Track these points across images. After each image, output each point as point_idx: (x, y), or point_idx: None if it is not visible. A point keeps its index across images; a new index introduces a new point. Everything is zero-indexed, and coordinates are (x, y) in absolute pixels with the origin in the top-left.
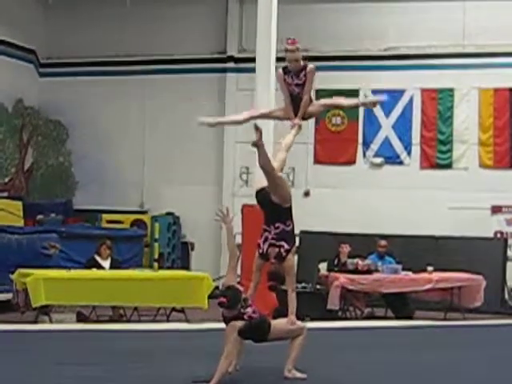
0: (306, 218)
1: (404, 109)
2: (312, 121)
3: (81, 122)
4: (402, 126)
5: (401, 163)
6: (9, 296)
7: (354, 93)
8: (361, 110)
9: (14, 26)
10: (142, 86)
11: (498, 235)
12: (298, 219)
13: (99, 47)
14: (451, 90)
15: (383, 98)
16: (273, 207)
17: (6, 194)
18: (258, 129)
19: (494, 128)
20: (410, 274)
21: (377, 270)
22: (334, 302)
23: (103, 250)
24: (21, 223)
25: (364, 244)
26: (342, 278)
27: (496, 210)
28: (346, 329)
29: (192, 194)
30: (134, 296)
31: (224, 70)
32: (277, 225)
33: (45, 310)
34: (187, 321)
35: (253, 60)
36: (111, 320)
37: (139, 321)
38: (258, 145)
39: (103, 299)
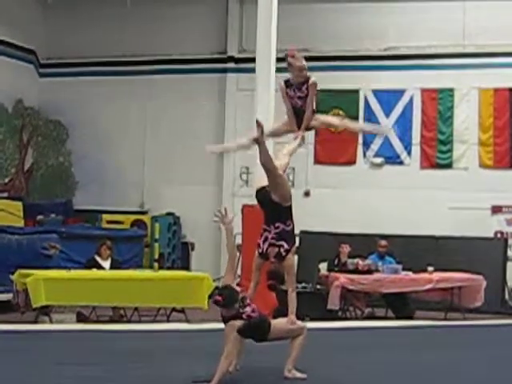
0: (307, 218)
1: (404, 109)
2: None
3: (81, 122)
4: (402, 126)
5: (401, 163)
6: (9, 296)
7: (354, 93)
8: (361, 110)
9: (13, 27)
10: (142, 86)
11: (498, 235)
12: (298, 219)
13: (99, 47)
14: (451, 89)
15: (388, 128)
16: (273, 206)
17: (6, 195)
18: (259, 125)
19: (494, 128)
20: (411, 274)
21: (377, 270)
22: (334, 302)
23: (103, 250)
24: (21, 223)
25: (364, 244)
26: (343, 278)
27: (496, 209)
28: (347, 329)
29: (192, 194)
30: (134, 296)
31: (224, 70)
32: (277, 224)
33: (45, 311)
34: (187, 321)
35: (253, 60)
36: (111, 320)
37: (139, 321)
38: (259, 141)
39: (103, 299)
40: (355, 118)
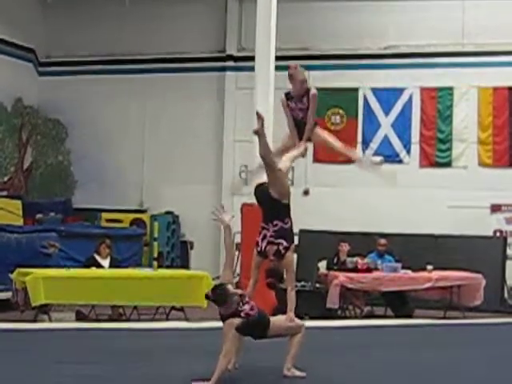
0: (306, 216)
1: (403, 107)
2: None
3: (80, 121)
4: (402, 125)
5: (400, 162)
6: (8, 295)
7: (353, 91)
8: (360, 108)
9: (13, 25)
10: (142, 85)
11: (498, 234)
12: (297, 218)
13: (98, 46)
14: (450, 88)
15: (380, 159)
16: (271, 203)
17: (5, 193)
18: (259, 116)
19: (493, 127)
20: (410, 273)
21: (376, 269)
22: (333, 301)
23: (102, 248)
24: (20, 222)
25: (363, 243)
26: (342, 277)
27: (495, 208)
28: (346, 327)
29: (191, 192)
30: (133, 295)
31: (223, 69)
32: (275, 222)
33: (44, 309)
34: (186, 319)
35: (252, 59)
36: (110, 319)
37: (138, 320)
38: (259, 133)
39: (102, 298)
40: (354, 116)
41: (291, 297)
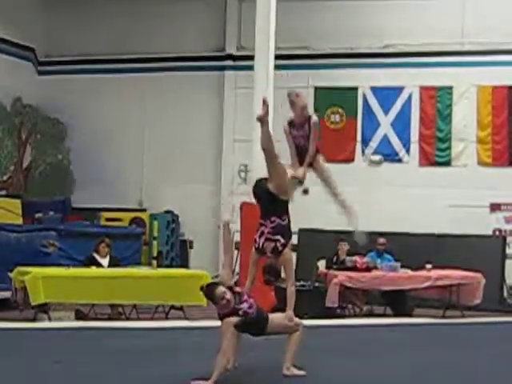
0: (305, 215)
1: (403, 106)
2: None
3: (79, 120)
4: (401, 124)
5: (399, 161)
6: (7, 294)
7: (352, 90)
8: (359, 107)
9: (12, 24)
10: (141, 84)
11: (497, 233)
12: (296, 217)
13: (98, 45)
14: (450, 87)
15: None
16: (269, 198)
17: (4, 192)
18: (264, 103)
19: (492, 126)
20: (409, 272)
21: (376, 268)
22: (332, 300)
23: (102, 248)
24: (19, 221)
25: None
26: (341, 276)
27: (495, 207)
28: (345, 326)
29: (191, 192)
30: (132, 294)
31: (223, 68)
32: (273, 219)
33: (43, 308)
34: (186, 318)
35: (251, 58)
36: (110, 318)
37: (138, 318)
38: (263, 120)
39: (102, 297)
40: (354, 115)
41: (291, 294)
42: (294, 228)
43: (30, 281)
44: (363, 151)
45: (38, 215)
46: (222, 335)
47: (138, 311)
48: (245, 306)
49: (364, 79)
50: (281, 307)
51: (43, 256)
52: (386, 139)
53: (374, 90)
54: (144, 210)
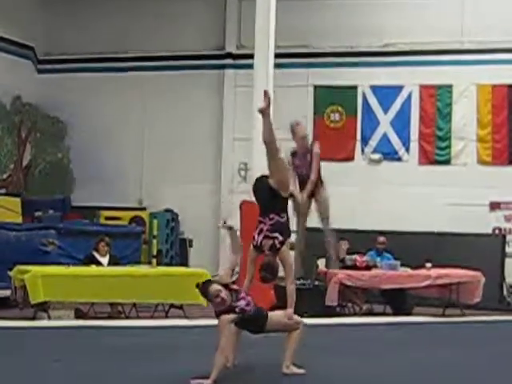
0: None
1: (402, 105)
2: (310, 117)
3: (79, 119)
4: (401, 123)
5: (399, 159)
6: (7, 293)
7: (352, 89)
8: (359, 106)
9: (12, 23)
10: (141, 83)
11: (497, 231)
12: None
13: (97, 44)
14: (450, 86)
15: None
16: (269, 194)
17: (4, 191)
18: (266, 94)
19: (492, 124)
20: (409, 271)
21: (375, 267)
22: (332, 298)
23: (101, 246)
24: (19, 220)
25: (362, 240)
26: (341, 274)
27: (494, 206)
28: (345, 325)
29: (191, 190)
30: (132, 292)
31: (222, 67)
32: (271, 216)
33: (43, 307)
34: (186, 317)
35: (251, 56)
36: (109, 316)
37: (138, 317)
38: (264, 112)
39: (102, 296)
40: (353, 114)
41: (291, 292)
42: (294, 227)
43: (29, 279)
44: (363, 150)
45: (37, 214)
46: (220, 333)
47: (138, 310)
48: (242, 303)
49: (364, 78)
50: (280, 306)
51: (43, 254)
52: (385, 138)
53: (374, 88)
54: (144, 209)
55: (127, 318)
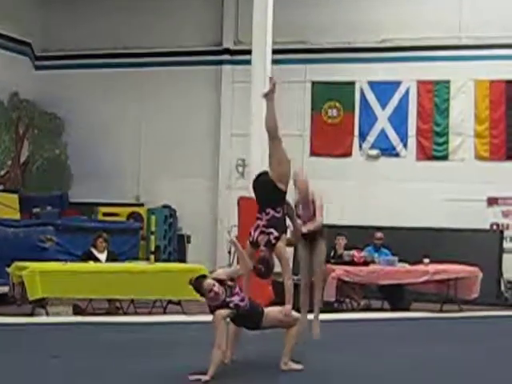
0: None
1: (400, 101)
2: (308, 113)
3: (77, 115)
4: (398, 118)
5: (397, 155)
6: (5, 289)
7: (350, 85)
8: (357, 102)
9: (9, 19)
10: (138, 79)
11: (494, 227)
12: None
13: (95, 40)
14: (447, 82)
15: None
16: (268, 188)
17: (2, 187)
18: (271, 80)
19: (490, 120)
20: (407, 266)
21: (373, 262)
22: (330, 294)
23: (99, 242)
24: (17, 216)
25: (360, 236)
26: (339, 270)
27: (492, 201)
28: (342, 321)
29: (188, 186)
30: (130, 288)
31: (220, 63)
32: (267, 210)
33: (41, 303)
34: (184, 313)
35: (248, 52)
36: (107, 313)
37: (136, 313)
38: (269, 97)
39: (100, 292)
40: (351, 109)
41: (288, 287)
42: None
43: (27, 276)
44: (360, 146)
45: (35, 210)
46: (215, 329)
47: (136, 306)
48: (236, 298)
49: (361, 74)
50: (279, 302)
51: (41, 251)
52: (383, 134)
53: (372, 84)
54: (142, 205)
55: (125, 314)
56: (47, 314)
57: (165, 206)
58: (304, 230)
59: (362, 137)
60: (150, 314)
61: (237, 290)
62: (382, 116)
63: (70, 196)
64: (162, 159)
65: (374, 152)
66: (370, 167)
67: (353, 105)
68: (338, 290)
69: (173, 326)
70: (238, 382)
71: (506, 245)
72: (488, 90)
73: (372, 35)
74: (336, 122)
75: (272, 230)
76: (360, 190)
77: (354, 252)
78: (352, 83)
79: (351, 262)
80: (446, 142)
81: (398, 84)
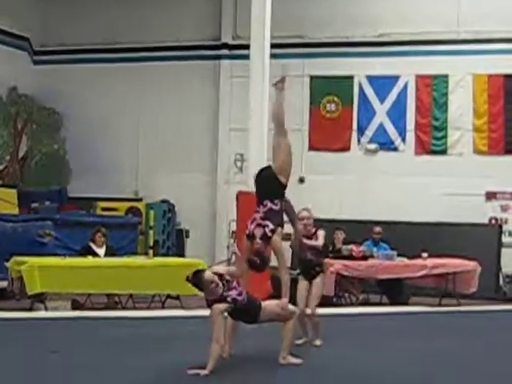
0: (301, 204)
1: (398, 95)
2: (306, 107)
3: (75, 110)
4: (397, 113)
5: (395, 149)
6: (4, 284)
7: (348, 79)
8: (355, 96)
9: (7, 14)
10: (137, 74)
11: (493, 221)
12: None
13: (94, 35)
14: (446, 76)
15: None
16: (268, 179)
17: (0, 182)
18: (284, 79)
19: (488, 114)
20: (405, 261)
21: (372, 257)
22: (328, 289)
23: (98, 237)
24: (16, 211)
25: (359, 230)
26: (337, 265)
27: (491, 196)
28: (341, 315)
29: (187, 181)
30: (129, 283)
31: (218, 57)
32: (265, 202)
33: (40, 298)
34: (182, 308)
35: (247, 47)
36: (106, 307)
37: (134, 308)
38: (279, 88)
39: (98, 287)
40: (350, 104)
41: (285, 281)
42: None
43: (26, 270)
44: (359, 140)
45: (34, 205)
46: (212, 323)
47: (135, 300)
48: (233, 292)
49: (360, 68)
50: (277, 295)
51: (39, 246)
52: (381, 128)
53: (370, 78)
54: (140, 200)
55: (124, 308)
56: (46, 308)
57: (163, 201)
58: (308, 243)
59: (361, 131)
60: (148, 308)
61: (234, 284)
62: (381, 110)
63: (68, 191)
64: (161, 154)
65: (373, 146)
66: (369, 161)
67: (351, 99)
68: (337, 285)
69: (171, 321)
70: (237, 376)
71: (505, 239)
72: (486, 84)
73: (370, 29)
74: (334, 117)
75: (268, 222)
76: (359, 185)
77: (353, 246)
78: (350, 77)
79: (350, 257)
80: (445, 137)
81: (396, 78)
